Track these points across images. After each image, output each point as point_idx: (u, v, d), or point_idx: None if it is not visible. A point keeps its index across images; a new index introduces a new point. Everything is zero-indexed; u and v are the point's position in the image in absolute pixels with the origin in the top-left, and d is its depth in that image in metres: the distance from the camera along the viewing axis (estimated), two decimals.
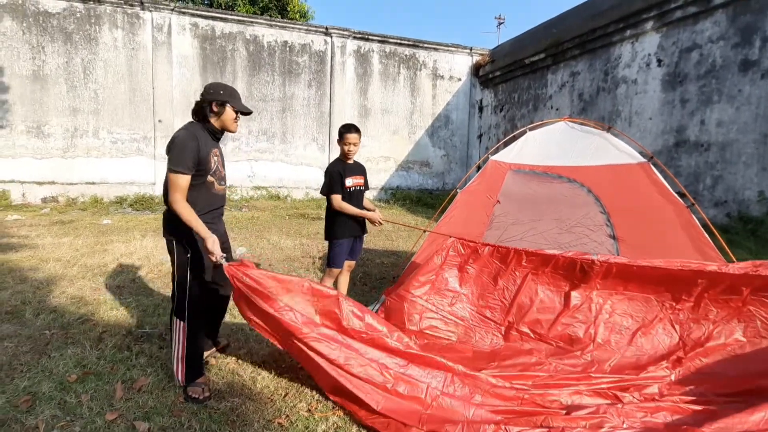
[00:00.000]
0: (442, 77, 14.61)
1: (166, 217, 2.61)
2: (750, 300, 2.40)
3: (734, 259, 3.21)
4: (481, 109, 15.34)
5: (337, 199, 3.39)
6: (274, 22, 12.72)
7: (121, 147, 11.51)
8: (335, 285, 3.57)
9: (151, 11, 11.49)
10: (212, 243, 2.38)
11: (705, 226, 3.42)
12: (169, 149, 2.47)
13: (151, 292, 4.35)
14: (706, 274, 2.49)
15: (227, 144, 12.34)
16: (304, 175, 13.16)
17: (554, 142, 3.88)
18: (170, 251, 2.60)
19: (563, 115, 11.74)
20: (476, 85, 15.14)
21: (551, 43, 11.83)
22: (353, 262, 3.70)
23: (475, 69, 14.99)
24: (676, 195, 3.36)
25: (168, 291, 4.37)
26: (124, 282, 4.62)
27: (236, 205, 11.36)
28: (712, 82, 8.25)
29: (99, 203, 10.73)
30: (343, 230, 3.43)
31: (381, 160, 13.88)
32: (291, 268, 5.38)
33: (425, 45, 14.19)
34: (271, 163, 12.85)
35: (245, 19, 12.40)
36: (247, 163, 12.65)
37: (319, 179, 13.03)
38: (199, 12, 12.03)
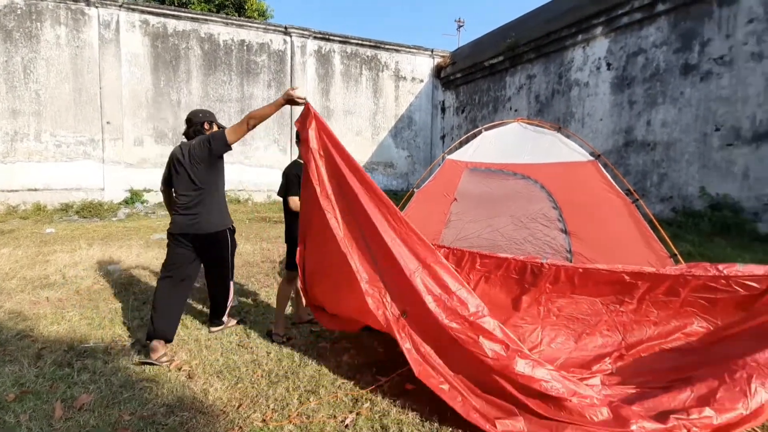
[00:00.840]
0: (405, 78, 14.71)
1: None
2: (687, 300, 2.53)
3: (676, 252, 3.40)
4: (443, 110, 15.56)
5: (294, 200, 3.30)
6: (230, 21, 12.35)
7: (66, 151, 10.78)
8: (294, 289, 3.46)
9: (97, 7, 10.85)
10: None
11: (650, 221, 3.59)
12: None
13: (96, 304, 4.07)
14: (646, 276, 2.61)
15: None
16: (265, 177, 12.83)
17: (509, 142, 3.97)
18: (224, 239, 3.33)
19: (522, 116, 12.11)
20: (438, 86, 15.35)
21: (509, 47, 12.18)
22: None
23: (437, 71, 15.20)
24: (621, 191, 3.51)
25: (115, 302, 4.11)
26: (67, 294, 4.30)
27: None
28: (657, 85, 8.75)
29: (42, 211, 10.00)
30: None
31: None
32: (250, 273, 5.20)
33: (387, 46, 14.23)
34: (231, 165, 12.24)
35: (199, 16, 11.97)
36: None
37: (280, 181, 13.00)
38: (149, 9, 11.48)
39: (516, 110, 12.39)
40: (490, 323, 2.16)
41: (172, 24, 11.67)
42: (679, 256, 3.35)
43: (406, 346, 2.34)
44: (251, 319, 3.70)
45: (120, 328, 3.52)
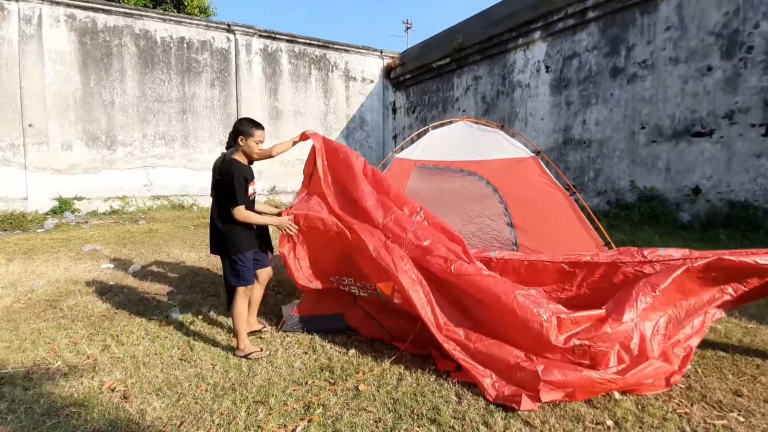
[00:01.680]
0: (355, 79, 14.66)
1: None
2: (619, 285, 2.70)
3: (610, 240, 3.63)
4: (394, 110, 15.69)
5: (241, 210, 2.91)
6: (168, 17, 11.68)
7: None
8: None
9: (17, 1, 9.84)
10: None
11: (587, 214, 3.80)
12: None
13: (16, 325, 3.65)
14: (582, 264, 2.80)
15: (117, 150, 11.04)
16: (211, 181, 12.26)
17: (455, 140, 4.05)
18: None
19: (470, 116, 12.47)
20: (389, 87, 15.45)
21: (455, 49, 12.50)
22: (269, 268, 3.43)
23: (387, 71, 15.30)
24: (561, 185, 3.69)
25: (38, 322, 3.71)
26: None
27: (131, 218, 10.18)
28: (590, 87, 9.34)
29: None
30: (248, 240, 3.02)
31: (296, 163, 13.47)
32: (194, 282, 4.91)
33: (336, 46, 14.12)
34: (172, 169, 11.75)
35: (133, 11, 11.20)
36: (142, 170, 11.40)
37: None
38: (75, 2, 10.57)
39: (464, 110, 12.73)
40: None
41: (102, 19, 10.84)
42: (612, 245, 3.58)
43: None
44: (195, 330, 3.47)
45: (44, 349, 3.18)
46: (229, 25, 12.22)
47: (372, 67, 15.03)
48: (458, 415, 2.26)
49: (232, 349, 3.10)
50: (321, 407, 2.35)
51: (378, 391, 2.51)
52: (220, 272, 5.28)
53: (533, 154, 3.85)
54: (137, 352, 3.10)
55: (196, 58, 11.97)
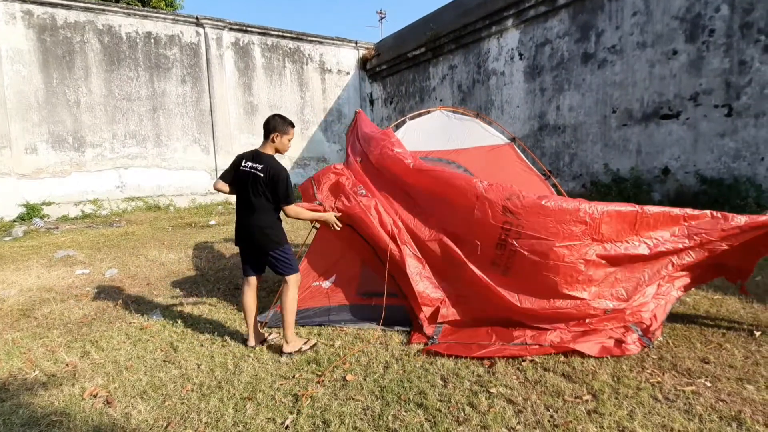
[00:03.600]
0: (331, 71, 14.50)
1: None
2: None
3: None
4: (372, 102, 15.61)
5: (293, 207, 2.99)
6: (132, 11, 11.25)
7: None
8: (244, 298, 3.17)
9: None
10: None
11: (561, 195, 3.90)
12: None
13: None
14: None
15: (86, 152, 10.66)
16: (187, 180, 11.98)
17: (432, 129, 4.08)
18: None
19: (446, 105, 12.53)
20: (365, 78, 15.34)
21: (430, 38, 12.49)
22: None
23: (362, 62, 15.18)
24: (536, 169, 3.78)
25: (12, 332, 3.59)
26: None
27: (105, 221, 9.88)
28: (563, 73, 9.50)
29: None
30: (285, 233, 3.06)
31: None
32: (174, 283, 4.82)
33: (310, 38, 13.90)
34: (146, 169, 11.42)
35: (95, 6, 10.74)
36: (114, 171, 11.05)
37: (206, 183, 12.27)
38: None
39: (441, 100, 12.78)
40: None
41: (62, 15, 10.36)
42: None
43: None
44: (178, 332, 3.43)
45: (19, 360, 3.08)
46: (197, 18, 11.87)
47: (347, 58, 14.88)
48: (444, 398, 2.31)
49: (217, 348, 3.07)
50: (309, 399, 2.37)
51: (365, 380, 2.54)
52: (200, 272, 5.22)
53: (509, 141, 3.92)
54: (119, 357, 3.05)
55: (165, 54, 11.60)
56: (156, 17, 11.48)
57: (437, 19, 12.46)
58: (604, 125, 8.76)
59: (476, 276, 2.97)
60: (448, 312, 3.13)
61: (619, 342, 2.71)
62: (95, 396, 2.56)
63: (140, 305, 4.12)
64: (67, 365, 2.96)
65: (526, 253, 2.87)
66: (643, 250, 2.87)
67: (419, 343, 2.97)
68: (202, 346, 3.15)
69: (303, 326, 3.36)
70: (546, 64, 9.81)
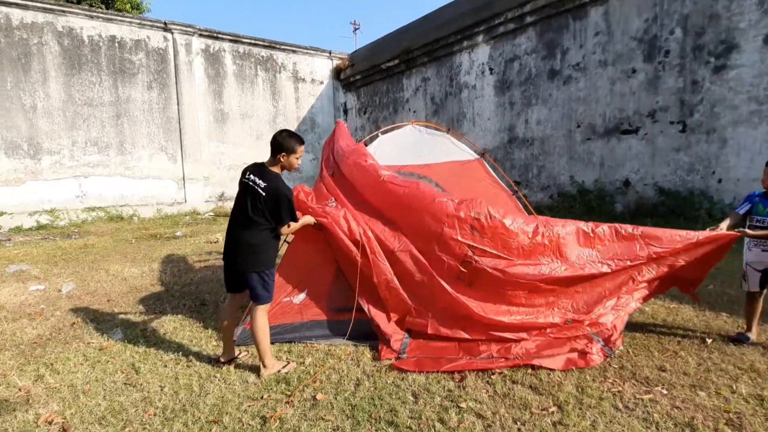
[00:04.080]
0: (304, 80, 14.45)
1: None
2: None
3: None
4: (346, 111, 15.64)
5: (288, 226, 2.90)
6: (95, 13, 10.87)
7: None
8: (224, 314, 3.05)
9: None
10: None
11: (529, 211, 4.04)
12: None
13: None
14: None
15: (43, 159, 10.14)
16: (153, 189, 11.58)
17: (404, 144, 4.14)
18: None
19: (420, 117, 12.71)
20: (339, 88, 15.38)
21: (403, 50, 12.68)
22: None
23: (336, 72, 15.22)
24: (504, 185, 3.89)
25: None
26: None
27: (63, 233, 9.38)
28: (531, 88, 9.85)
29: None
30: (276, 256, 2.91)
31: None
32: (137, 299, 4.63)
33: (283, 47, 13.83)
34: (108, 178, 10.97)
35: (54, 7, 10.31)
36: (73, 180, 10.56)
37: (173, 192, 11.93)
38: None
39: (414, 111, 12.96)
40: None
41: (17, 15, 9.88)
42: None
43: None
44: (141, 352, 3.29)
45: None
46: (165, 23, 11.60)
47: (321, 68, 14.89)
48: (415, 415, 2.32)
49: (182, 368, 2.97)
50: (278, 420, 2.32)
51: (336, 398, 2.51)
52: (165, 288, 5.03)
53: (478, 157, 4.02)
54: (75, 380, 2.89)
55: (130, 59, 11.24)
56: (121, 21, 11.14)
57: (411, 32, 12.68)
58: (570, 139, 9.13)
59: (443, 288, 3.03)
60: (415, 321, 3.14)
61: (583, 353, 2.80)
62: (50, 423, 2.42)
63: (100, 324, 3.93)
64: (19, 390, 2.78)
65: (489, 269, 2.96)
66: (603, 268, 3.01)
67: (388, 359, 2.97)
68: (165, 366, 3.03)
69: (273, 343, 3.29)
70: (515, 79, 10.15)
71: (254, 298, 2.82)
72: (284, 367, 2.88)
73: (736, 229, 3.05)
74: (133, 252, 7.22)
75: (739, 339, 3.09)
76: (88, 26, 10.69)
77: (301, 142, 2.91)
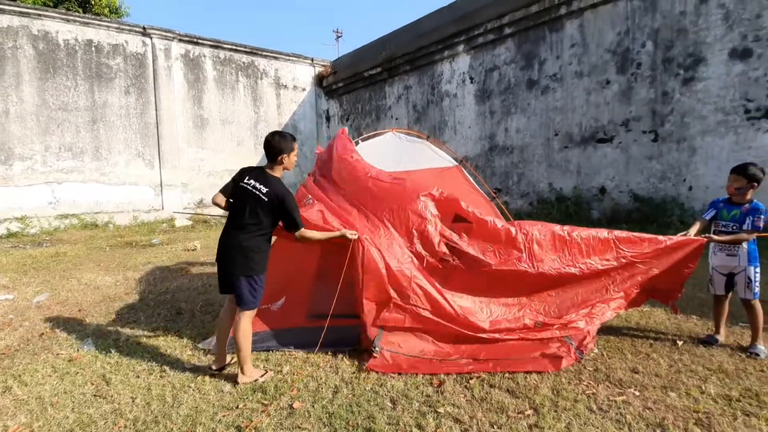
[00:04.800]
0: (286, 87, 14.42)
1: None
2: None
3: None
4: (328, 118, 15.65)
5: (304, 232, 2.86)
6: (71, 17, 10.64)
7: None
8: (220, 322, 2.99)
9: None
10: None
11: (507, 217, 4.11)
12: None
13: None
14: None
15: (14, 165, 9.81)
16: (129, 196, 11.31)
17: (385, 151, 4.16)
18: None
19: (402, 125, 12.81)
20: (321, 95, 15.39)
21: (386, 59, 12.80)
22: None
23: (319, 80, 15.24)
24: (482, 192, 3.96)
25: None
26: None
27: (34, 241, 9.06)
28: (510, 97, 10.06)
29: None
30: (267, 262, 2.86)
31: (226, 173, 12.87)
32: (110, 309, 4.49)
33: (265, 53, 13.79)
34: (83, 184, 10.67)
35: (30, 11, 10.06)
36: (46, 186, 10.23)
37: (150, 199, 11.71)
38: None
39: (397, 119, 13.06)
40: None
41: None
42: None
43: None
44: (112, 362, 3.18)
45: None
46: (144, 28, 11.43)
47: (303, 75, 14.89)
48: (393, 421, 2.31)
49: (155, 379, 2.89)
50: (254, 430, 2.27)
51: (313, 406, 2.48)
52: (140, 296, 4.90)
53: (457, 164, 4.07)
54: (44, 392, 2.78)
55: (107, 63, 11.02)
56: (98, 25, 10.93)
57: (393, 40, 12.82)
58: (548, 147, 9.33)
59: (422, 284, 3.04)
60: (391, 316, 3.08)
61: (555, 357, 2.84)
62: None
63: (70, 334, 3.79)
64: None
65: (464, 268, 3.01)
66: (575, 271, 3.07)
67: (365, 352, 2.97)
68: (138, 377, 2.94)
69: (251, 351, 3.23)
70: (495, 89, 10.35)
71: (240, 303, 2.78)
72: (262, 375, 2.83)
73: (703, 235, 3.16)
74: (107, 260, 7.02)
75: (708, 341, 3.18)
76: (64, 30, 10.45)
77: (294, 138, 2.94)
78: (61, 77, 10.41)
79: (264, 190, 2.75)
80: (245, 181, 2.82)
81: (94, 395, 2.73)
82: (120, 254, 7.50)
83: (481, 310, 3.11)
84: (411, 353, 2.97)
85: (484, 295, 3.14)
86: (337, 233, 3.02)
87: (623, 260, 3.10)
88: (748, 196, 3.11)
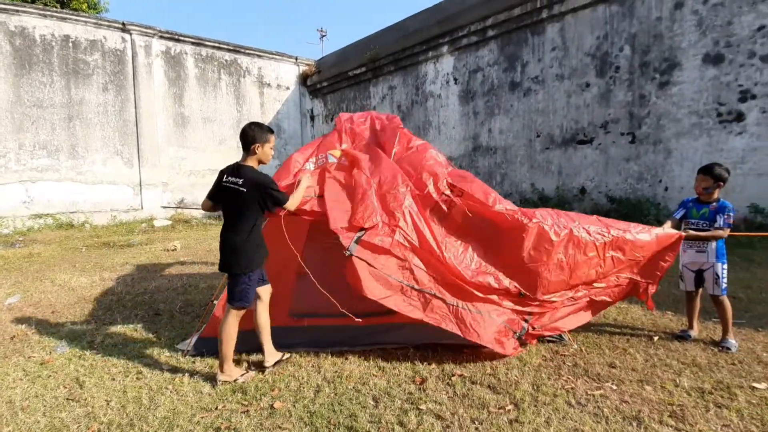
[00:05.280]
0: (270, 85, 14.28)
1: None
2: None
3: None
4: (312, 118, 15.56)
5: (291, 203, 2.85)
6: (49, 12, 10.34)
7: None
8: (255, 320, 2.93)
9: None
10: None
11: None
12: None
13: None
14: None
15: None
16: (107, 195, 11.02)
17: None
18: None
19: None
20: (306, 94, 15.29)
21: (370, 58, 12.80)
22: (269, 285, 3.01)
23: (303, 78, 15.14)
24: None
25: None
26: None
27: (6, 241, 8.75)
28: (493, 99, 10.18)
29: None
30: (260, 258, 2.82)
31: (207, 173, 12.69)
32: (85, 311, 4.36)
33: (248, 51, 13.63)
34: (58, 183, 10.35)
35: (7, 6, 9.73)
36: (20, 185, 9.89)
37: (129, 199, 11.44)
38: None
39: None
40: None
41: None
42: None
43: None
44: (86, 365, 3.09)
45: None
46: (124, 24, 11.17)
47: (287, 73, 14.77)
48: (374, 419, 2.30)
49: (131, 381, 2.81)
50: (233, 431, 2.23)
51: (294, 406, 2.46)
52: (116, 297, 4.77)
53: None
54: (14, 396, 2.68)
55: (85, 59, 10.72)
56: (76, 20, 10.63)
57: (378, 40, 12.83)
58: (530, 148, 9.47)
59: (414, 213, 2.99)
60: (374, 238, 2.89)
61: (500, 342, 2.88)
62: None
63: (43, 336, 3.67)
64: None
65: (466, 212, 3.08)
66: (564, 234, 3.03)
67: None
68: (113, 380, 2.86)
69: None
70: (478, 90, 10.46)
71: (229, 300, 2.79)
72: (242, 375, 2.79)
73: (682, 230, 3.25)
74: (82, 261, 6.82)
75: (682, 336, 3.27)
76: (41, 25, 10.13)
77: (271, 131, 2.93)
78: (37, 73, 10.09)
79: (239, 181, 2.76)
80: (224, 180, 2.84)
81: (67, 399, 2.65)
82: (96, 255, 7.30)
83: (470, 260, 3.02)
84: (384, 269, 2.82)
85: (480, 247, 3.06)
86: (303, 183, 2.99)
87: (615, 238, 3.07)
88: (716, 195, 3.23)
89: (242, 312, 2.81)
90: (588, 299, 3.19)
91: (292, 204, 2.84)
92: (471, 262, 3.03)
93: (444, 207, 3.12)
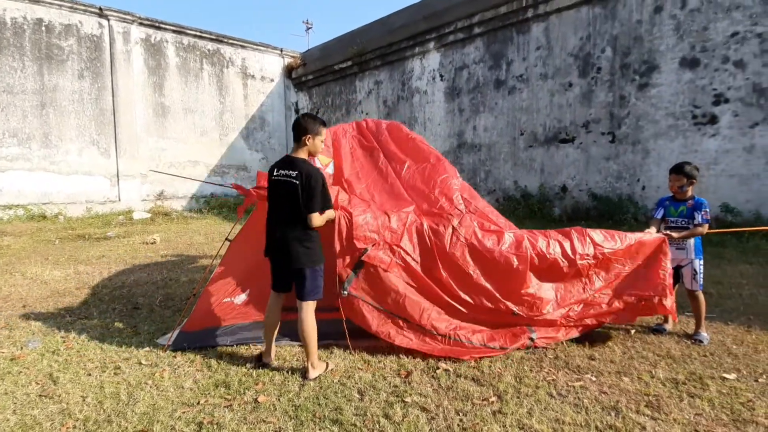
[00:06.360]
0: (254, 77, 14.03)
1: None
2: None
3: None
4: (297, 111, 15.37)
5: (318, 216, 2.70)
6: None
7: None
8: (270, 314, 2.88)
9: None
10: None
11: None
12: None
13: None
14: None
15: None
16: (82, 186, 10.66)
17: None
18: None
19: (372, 120, 12.76)
20: (290, 87, 15.09)
21: (357, 53, 12.71)
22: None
23: (288, 71, 14.93)
24: None
25: None
26: None
27: None
28: (478, 96, 10.25)
29: None
30: (321, 248, 2.79)
31: (188, 164, 12.41)
32: (59, 304, 4.21)
33: (231, 41, 13.35)
34: (29, 173, 9.95)
35: None
36: None
37: (105, 190, 11.13)
38: None
39: (367, 113, 13.01)
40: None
41: None
42: None
43: None
44: (61, 360, 2.99)
45: None
46: (101, 9, 10.77)
47: (272, 65, 14.54)
48: (360, 412, 2.30)
49: (109, 376, 2.73)
50: (216, 426, 2.20)
51: (279, 399, 2.43)
52: (93, 291, 4.63)
53: None
54: None
55: (59, 44, 10.31)
56: (50, 4, 10.19)
57: (364, 34, 12.75)
58: (514, 146, 9.59)
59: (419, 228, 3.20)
60: (375, 255, 3.02)
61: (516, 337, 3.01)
62: None
63: (13, 331, 3.53)
64: None
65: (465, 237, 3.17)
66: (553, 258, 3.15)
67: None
68: (89, 375, 2.78)
69: (213, 347, 3.13)
70: (464, 87, 10.51)
71: (302, 295, 2.69)
72: (327, 368, 2.78)
73: (662, 232, 3.33)
74: (55, 253, 6.58)
75: (658, 329, 3.38)
76: (12, 8, 9.68)
77: (324, 124, 2.87)
78: (7, 57, 9.64)
79: (293, 173, 2.66)
80: (275, 174, 2.75)
81: (40, 395, 2.56)
82: (71, 247, 7.05)
83: (467, 281, 3.12)
84: (379, 304, 3.00)
85: (478, 268, 3.14)
86: (332, 214, 2.93)
87: (600, 256, 3.14)
88: (690, 193, 3.34)
89: (315, 303, 2.76)
90: (587, 319, 3.19)
91: (317, 221, 2.70)
92: (468, 284, 3.12)
93: (455, 221, 3.21)
